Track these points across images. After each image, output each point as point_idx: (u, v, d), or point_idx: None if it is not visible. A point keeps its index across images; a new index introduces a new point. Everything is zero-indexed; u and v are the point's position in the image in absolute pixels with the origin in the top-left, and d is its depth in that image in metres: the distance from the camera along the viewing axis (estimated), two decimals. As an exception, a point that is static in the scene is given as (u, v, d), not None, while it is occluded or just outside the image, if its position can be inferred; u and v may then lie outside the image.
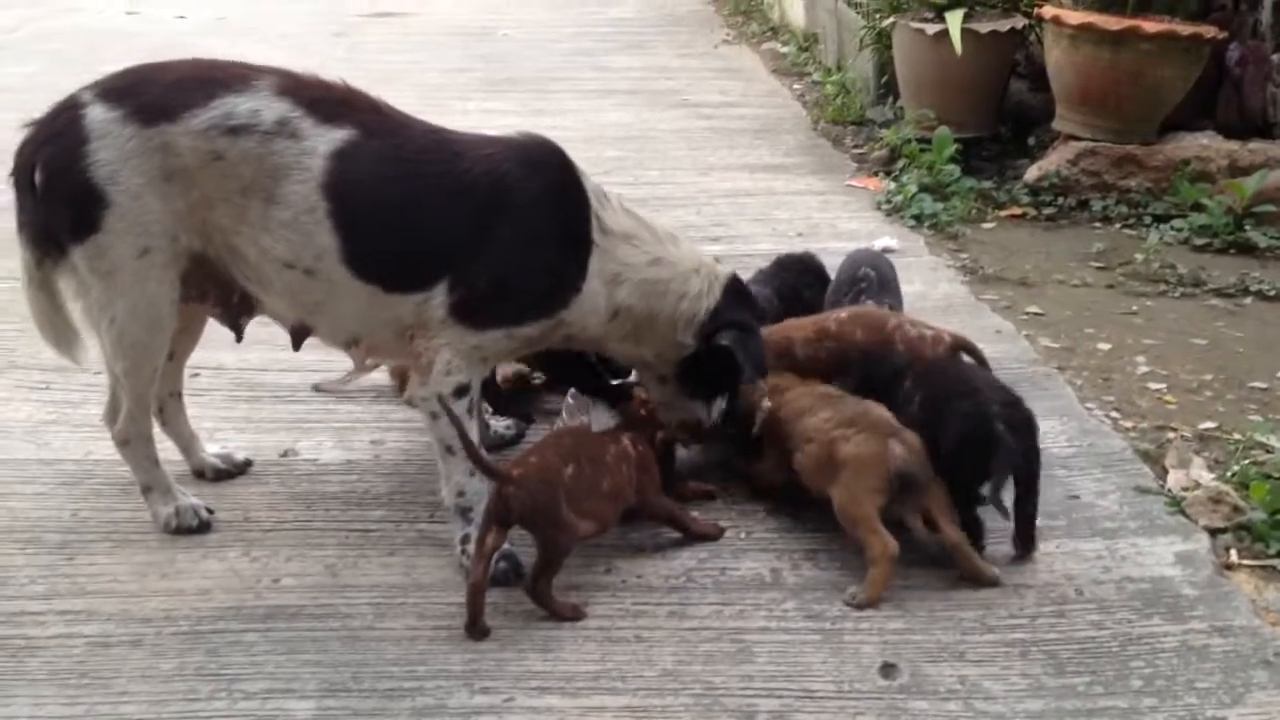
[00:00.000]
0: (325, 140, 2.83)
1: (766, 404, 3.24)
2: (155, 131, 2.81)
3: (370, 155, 2.86)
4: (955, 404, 2.97)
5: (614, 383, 3.40)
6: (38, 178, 2.85)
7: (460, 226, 2.87)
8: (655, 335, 3.06)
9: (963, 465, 2.92)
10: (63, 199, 2.85)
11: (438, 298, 2.87)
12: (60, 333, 3.08)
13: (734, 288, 3.12)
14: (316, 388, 3.87)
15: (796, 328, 3.50)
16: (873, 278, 3.82)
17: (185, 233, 2.89)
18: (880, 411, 3.05)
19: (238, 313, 3.17)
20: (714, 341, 3.03)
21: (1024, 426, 2.97)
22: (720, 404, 3.18)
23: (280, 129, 2.82)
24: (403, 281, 2.89)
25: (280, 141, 2.82)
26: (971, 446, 2.90)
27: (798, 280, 3.95)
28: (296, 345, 3.17)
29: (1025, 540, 2.99)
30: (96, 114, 2.82)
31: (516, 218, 2.88)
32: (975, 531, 2.96)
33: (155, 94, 2.85)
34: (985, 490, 2.89)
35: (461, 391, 2.88)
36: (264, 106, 2.83)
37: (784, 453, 3.13)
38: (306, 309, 3.00)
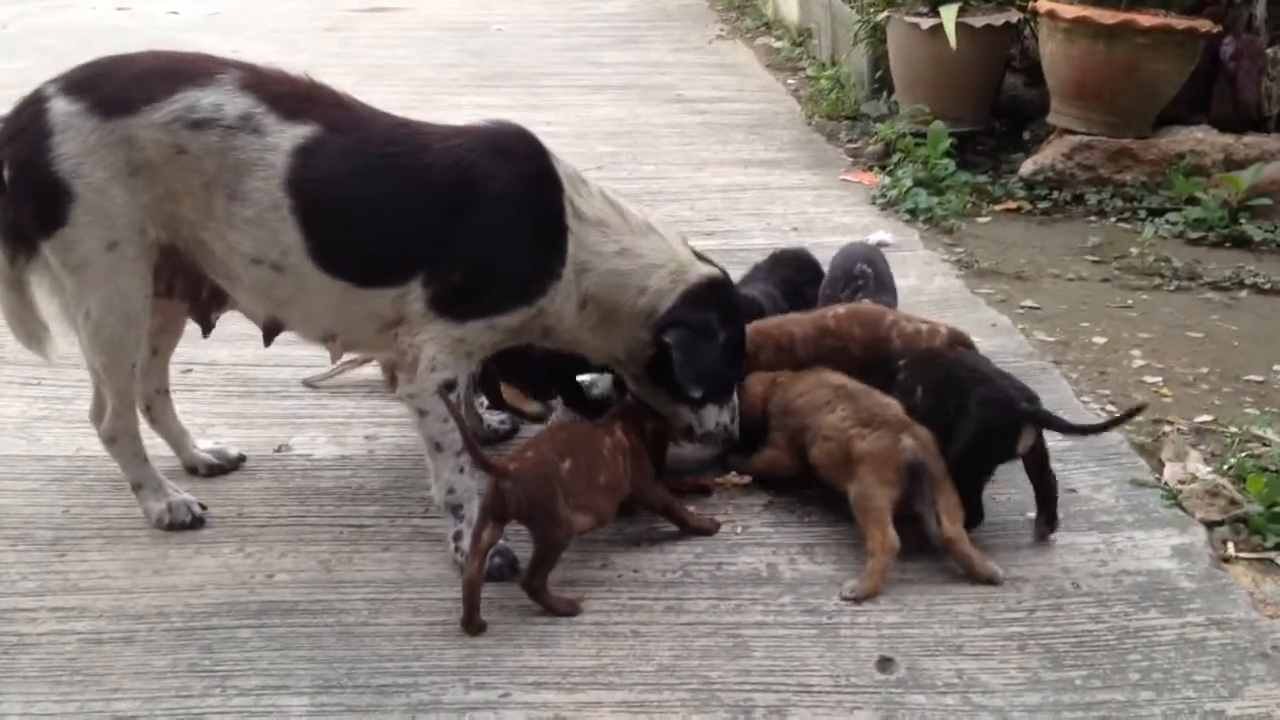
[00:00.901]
0: (288, 137, 2.81)
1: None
2: (116, 124, 2.78)
3: (334, 151, 2.83)
4: (971, 391, 2.99)
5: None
6: (5, 173, 2.83)
7: (430, 219, 2.84)
8: (620, 330, 3.01)
9: (988, 448, 2.97)
10: (29, 193, 2.83)
11: (414, 291, 2.84)
12: (31, 330, 3.07)
13: (699, 289, 3.01)
14: (307, 383, 3.85)
15: (795, 322, 3.50)
16: (869, 275, 3.82)
17: (153, 226, 2.87)
18: (895, 409, 3.05)
19: (207, 308, 3.15)
20: (663, 339, 2.97)
21: (1034, 399, 3.02)
22: (715, 411, 3.12)
23: (243, 124, 2.80)
24: (374, 276, 2.87)
25: (243, 137, 2.80)
26: (997, 430, 2.94)
27: (796, 276, 3.94)
28: (267, 341, 3.16)
29: (1051, 519, 3.02)
30: (59, 107, 2.80)
31: (488, 207, 2.85)
32: (975, 518, 2.97)
33: (117, 87, 2.83)
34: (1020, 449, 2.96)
35: (449, 387, 2.86)
36: (227, 101, 2.81)
37: (799, 444, 3.14)
38: (276, 304, 2.97)
